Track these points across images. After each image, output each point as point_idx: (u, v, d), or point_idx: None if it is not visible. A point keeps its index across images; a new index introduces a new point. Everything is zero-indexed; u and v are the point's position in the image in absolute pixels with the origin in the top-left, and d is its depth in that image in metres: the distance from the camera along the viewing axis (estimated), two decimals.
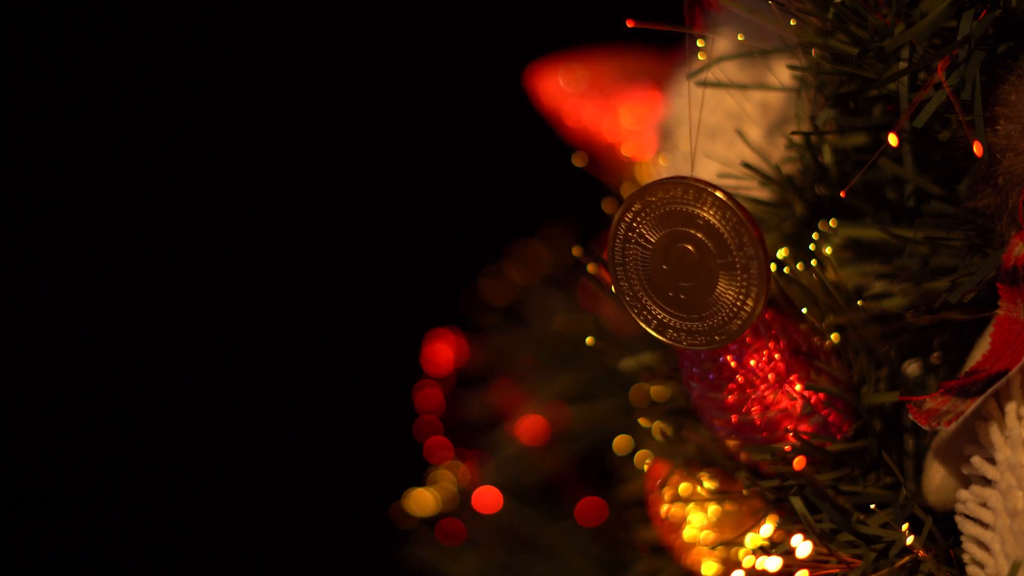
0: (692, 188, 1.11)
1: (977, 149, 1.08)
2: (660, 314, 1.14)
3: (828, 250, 1.21)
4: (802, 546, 1.15)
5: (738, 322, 1.12)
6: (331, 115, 2.30)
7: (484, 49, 2.20)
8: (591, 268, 1.28)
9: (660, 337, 1.15)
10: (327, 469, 2.28)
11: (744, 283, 1.11)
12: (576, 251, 1.31)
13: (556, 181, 1.77)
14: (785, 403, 1.17)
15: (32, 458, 2.26)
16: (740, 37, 1.27)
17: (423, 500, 1.76)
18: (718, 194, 1.10)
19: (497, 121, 2.16)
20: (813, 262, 1.20)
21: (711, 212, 1.10)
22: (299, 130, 2.30)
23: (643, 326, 1.15)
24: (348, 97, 2.30)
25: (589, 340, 1.57)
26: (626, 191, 1.57)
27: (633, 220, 1.13)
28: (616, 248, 1.14)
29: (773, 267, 1.20)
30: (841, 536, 1.15)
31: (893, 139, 1.12)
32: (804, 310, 1.19)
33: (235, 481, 2.28)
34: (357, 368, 2.29)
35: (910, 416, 1.11)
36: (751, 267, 1.10)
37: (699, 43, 1.20)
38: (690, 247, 1.12)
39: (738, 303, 1.11)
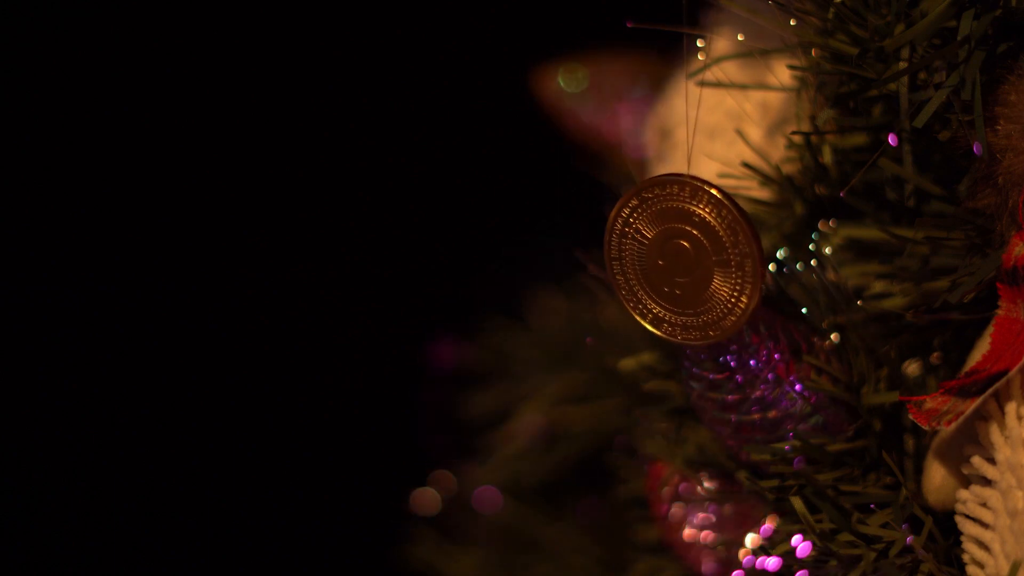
0: (688, 185, 1.11)
1: (977, 149, 1.08)
2: (655, 308, 1.15)
3: (828, 250, 1.21)
4: (802, 546, 1.15)
5: (732, 318, 1.13)
6: (331, 116, 2.30)
7: (484, 49, 2.20)
8: (590, 267, 1.28)
9: (655, 331, 1.15)
10: (327, 469, 2.28)
11: (738, 280, 1.12)
12: (576, 251, 1.31)
13: (556, 181, 1.77)
14: (785, 403, 1.17)
15: (32, 458, 2.26)
16: (740, 37, 1.27)
17: (423, 500, 1.76)
18: (713, 192, 1.11)
19: (498, 121, 2.16)
20: (813, 262, 1.20)
21: (707, 209, 1.11)
22: (300, 130, 2.30)
23: (638, 319, 1.15)
24: (349, 98, 2.30)
25: (589, 340, 1.57)
26: (626, 191, 1.57)
27: (630, 216, 1.14)
28: (612, 243, 1.15)
29: (773, 267, 1.20)
30: (841, 536, 1.15)
31: (893, 139, 1.12)
32: (804, 310, 1.19)
33: (235, 481, 2.28)
34: (357, 368, 2.29)
35: (910, 416, 1.11)
36: (745, 264, 1.11)
37: (699, 43, 1.20)
38: (686, 243, 1.13)
39: (732, 299, 1.12)
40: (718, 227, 1.11)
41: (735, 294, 1.12)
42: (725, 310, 1.13)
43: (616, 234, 1.15)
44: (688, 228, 1.12)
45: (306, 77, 2.30)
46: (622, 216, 1.14)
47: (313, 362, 2.31)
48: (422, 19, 2.27)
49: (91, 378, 2.27)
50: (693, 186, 1.11)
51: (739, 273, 1.12)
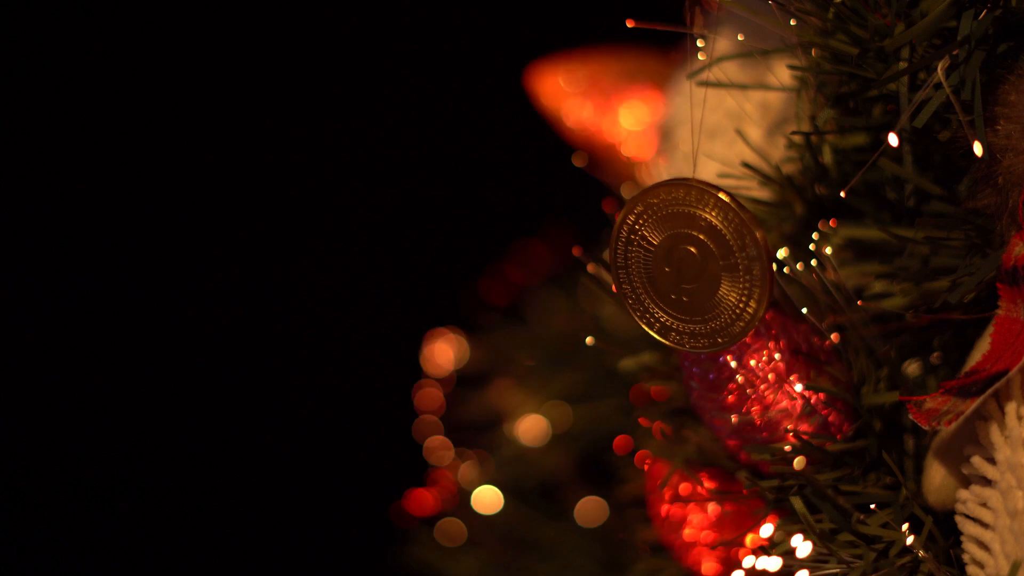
0: (694, 190, 1.10)
1: (977, 149, 1.08)
2: (663, 317, 1.14)
3: (828, 250, 1.21)
4: (802, 546, 1.15)
5: (741, 324, 1.12)
6: (332, 115, 2.30)
7: (484, 49, 2.20)
8: (591, 268, 1.28)
9: (663, 340, 1.14)
10: (327, 469, 2.28)
11: (747, 285, 1.11)
12: (576, 251, 1.31)
13: (556, 181, 1.77)
14: (785, 403, 1.17)
15: (32, 458, 2.26)
16: (740, 37, 1.27)
17: (423, 500, 1.76)
18: (720, 196, 1.10)
19: (497, 121, 2.16)
20: (813, 262, 1.20)
21: (713, 214, 1.10)
22: (301, 131, 2.30)
23: (646, 329, 1.14)
24: (349, 97, 2.30)
25: (589, 340, 1.57)
26: (626, 191, 1.57)
27: (635, 222, 1.13)
28: (618, 250, 1.14)
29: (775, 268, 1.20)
30: (841, 536, 1.15)
31: (893, 139, 1.12)
32: (804, 310, 1.19)
33: (235, 481, 2.28)
34: (357, 368, 2.29)
35: (910, 416, 1.11)
36: (753, 269, 1.10)
37: (699, 43, 1.20)
38: (692, 249, 1.12)
39: (740, 305, 1.11)
40: (725, 232, 1.10)
41: (743, 299, 1.11)
42: (733, 316, 1.12)
43: (622, 241, 1.13)
44: (694, 233, 1.11)
45: (307, 77, 2.30)
46: (628, 223, 1.13)
47: (313, 362, 2.31)
48: (422, 19, 2.27)
49: (91, 378, 2.27)
50: (699, 190, 1.10)
51: (747, 277, 1.11)
